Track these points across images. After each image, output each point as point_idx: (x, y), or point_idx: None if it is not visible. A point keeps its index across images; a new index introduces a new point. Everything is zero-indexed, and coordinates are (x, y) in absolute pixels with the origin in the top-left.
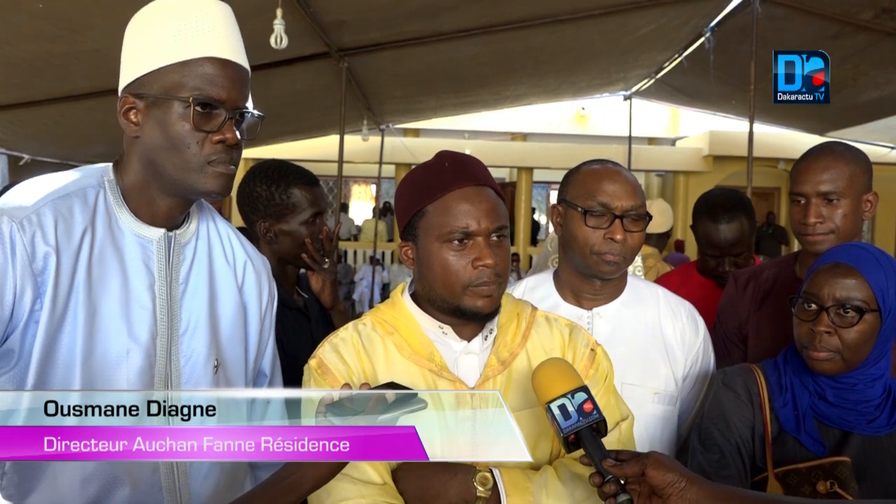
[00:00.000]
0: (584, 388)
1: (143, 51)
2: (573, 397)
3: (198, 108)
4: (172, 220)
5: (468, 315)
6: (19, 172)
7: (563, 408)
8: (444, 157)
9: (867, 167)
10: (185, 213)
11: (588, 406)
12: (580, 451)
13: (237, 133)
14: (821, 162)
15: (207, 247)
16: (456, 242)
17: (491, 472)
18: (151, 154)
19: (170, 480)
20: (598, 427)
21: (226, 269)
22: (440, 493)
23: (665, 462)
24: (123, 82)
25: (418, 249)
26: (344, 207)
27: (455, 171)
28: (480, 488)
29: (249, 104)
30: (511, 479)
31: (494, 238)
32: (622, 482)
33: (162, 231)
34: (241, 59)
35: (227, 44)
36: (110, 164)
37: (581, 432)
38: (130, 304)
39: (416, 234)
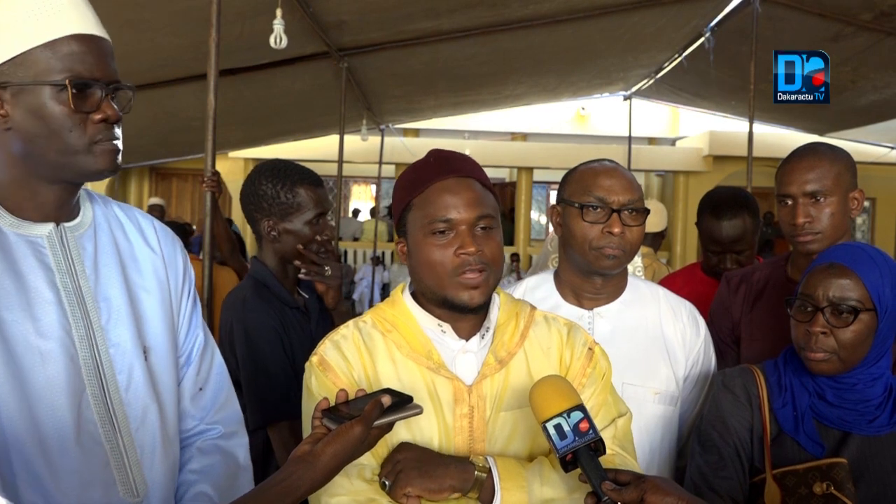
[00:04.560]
0: (580, 407)
1: (2, 36)
2: (569, 416)
3: (74, 90)
4: (63, 212)
5: (456, 308)
6: None
7: (558, 427)
8: (431, 153)
9: (851, 165)
10: (73, 201)
11: (584, 426)
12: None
13: (116, 108)
14: (805, 162)
15: (110, 233)
16: (439, 233)
17: (486, 459)
18: (28, 145)
19: (122, 473)
20: (596, 446)
21: (138, 251)
22: (440, 474)
23: (663, 486)
24: None
25: (409, 244)
26: (355, 213)
27: (438, 165)
28: (479, 464)
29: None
30: (506, 466)
31: (479, 229)
32: None
33: (51, 225)
34: (103, 32)
35: (88, 19)
36: None
37: (578, 452)
38: (32, 303)
39: (406, 229)
